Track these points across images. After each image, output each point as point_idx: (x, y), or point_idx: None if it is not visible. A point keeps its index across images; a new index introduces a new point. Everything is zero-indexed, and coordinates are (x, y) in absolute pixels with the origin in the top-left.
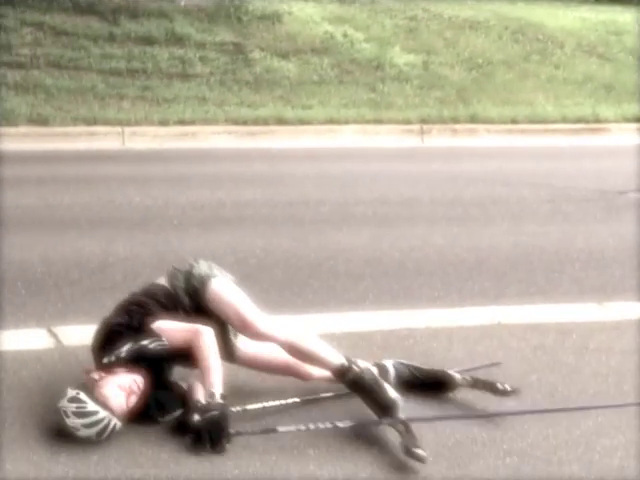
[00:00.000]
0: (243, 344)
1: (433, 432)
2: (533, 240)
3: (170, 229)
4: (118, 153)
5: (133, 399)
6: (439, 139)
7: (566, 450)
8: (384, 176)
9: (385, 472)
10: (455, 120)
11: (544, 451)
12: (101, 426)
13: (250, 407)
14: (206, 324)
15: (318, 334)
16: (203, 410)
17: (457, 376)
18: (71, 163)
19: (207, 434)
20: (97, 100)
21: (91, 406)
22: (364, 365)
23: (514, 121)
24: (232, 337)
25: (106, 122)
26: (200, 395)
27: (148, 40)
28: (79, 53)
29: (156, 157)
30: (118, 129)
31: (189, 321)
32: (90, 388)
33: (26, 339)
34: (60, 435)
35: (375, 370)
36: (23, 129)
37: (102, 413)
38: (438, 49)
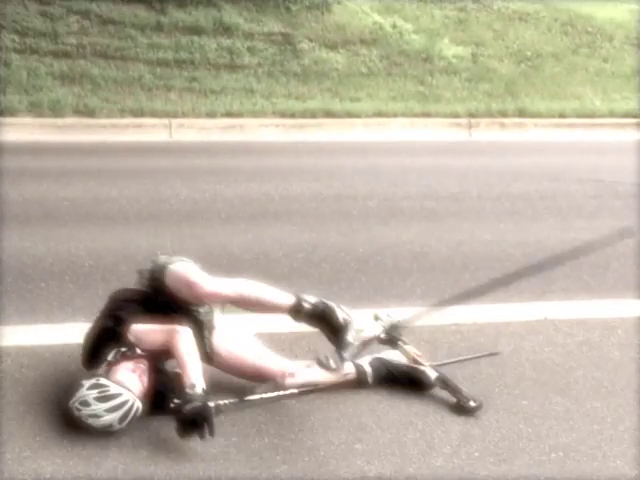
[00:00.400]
0: (218, 345)
1: (479, 427)
2: (580, 235)
3: (218, 223)
4: (165, 145)
5: (145, 379)
6: (487, 133)
7: (610, 445)
8: (432, 170)
9: (432, 468)
10: (503, 114)
11: (589, 446)
12: (125, 409)
13: (246, 398)
14: (183, 324)
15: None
16: (185, 401)
17: (432, 378)
18: (118, 155)
19: (190, 424)
20: (144, 91)
21: (114, 388)
22: (314, 299)
23: (562, 115)
24: (207, 337)
25: (153, 114)
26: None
27: (196, 30)
28: (126, 42)
29: (203, 150)
30: (165, 121)
31: (167, 321)
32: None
33: (73, 333)
34: (109, 431)
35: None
36: (69, 120)
37: (126, 394)
38: (487, 41)
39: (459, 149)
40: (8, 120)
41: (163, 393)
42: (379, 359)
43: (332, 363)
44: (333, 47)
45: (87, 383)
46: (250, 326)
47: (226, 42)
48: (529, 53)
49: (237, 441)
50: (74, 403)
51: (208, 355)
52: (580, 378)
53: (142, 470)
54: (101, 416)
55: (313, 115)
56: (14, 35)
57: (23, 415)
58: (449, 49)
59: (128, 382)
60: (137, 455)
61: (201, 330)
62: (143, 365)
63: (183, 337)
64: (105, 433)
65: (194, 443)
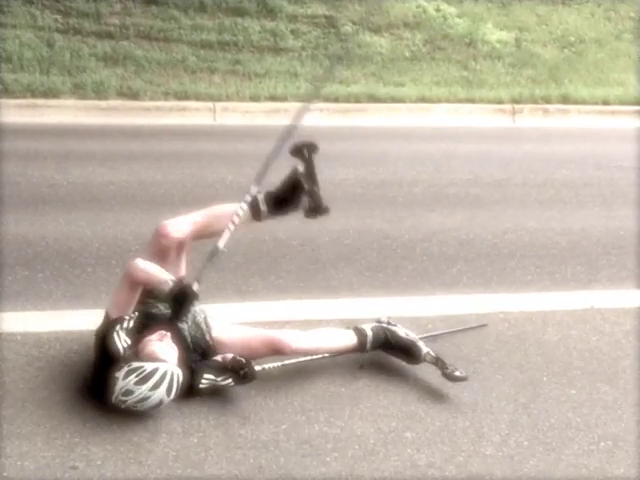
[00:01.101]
0: (219, 336)
1: (527, 416)
2: (624, 224)
3: None
4: (209, 129)
5: (172, 342)
6: (530, 119)
7: None
8: (476, 156)
9: (481, 456)
10: (547, 100)
11: (638, 435)
12: (167, 380)
13: (268, 366)
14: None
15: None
16: (167, 294)
17: (423, 352)
18: (162, 139)
19: (178, 304)
20: (188, 74)
21: (149, 366)
22: (366, 328)
23: (605, 102)
24: (207, 332)
25: (197, 97)
26: None
27: (239, 11)
28: (169, 24)
29: (248, 134)
30: (209, 104)
31: (164, 328)
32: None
33: None
34: (161, 417)
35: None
36: (113, 102)
37: (162, 366)
38: (530, 26)
39: (503, 135)
40: (51, 102)
41: (194, 371)
42: (381, 327)
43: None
44: (377, 31)
45: (121, 373)
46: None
47: (270, 24)
48: (572, 39)
49: (287, 428)
50: (117, 397)
51: (213, 348)
52: (627, 367)
53: (193, 457)
54: (148, 397)
55: (357, 100)
56: (57, 15)
57: (73, 401)
58: (493, 34)
59: (159, 352)
60: (187, 442)
61: (200, 329)
62: (163, 331)
63: (136, 264)
64: (155, 418)
65: (244, 430)
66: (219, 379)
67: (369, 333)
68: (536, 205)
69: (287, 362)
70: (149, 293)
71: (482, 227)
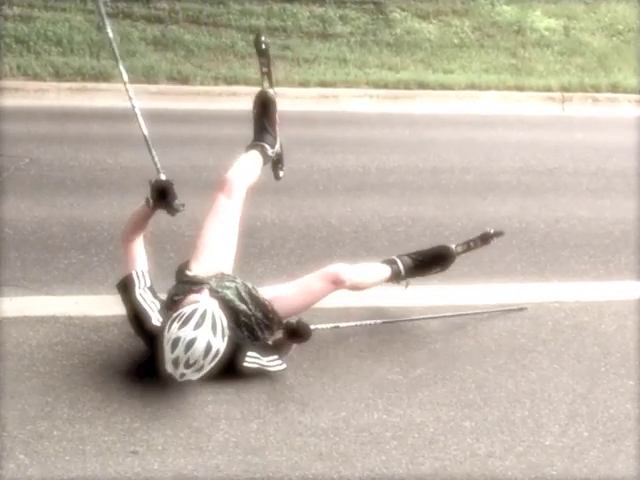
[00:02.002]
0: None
1: (587, 407)
2: None
3: (316, 194)
4: None
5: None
6: (580, 107)
7: None
8: (526, 144)
9: (541, 447)
10: (596, 88)
11: None
12: (209, 318)
13: (321, 326)
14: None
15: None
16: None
17: (452, 248)
18: (212, 123)
19: (159, 196)
20: (237, 59)
21: (187, 309)
22: (393, 257)
23: None
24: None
25: (247, 82)
26: None
27: None
28: (218, 9)
29: (297, 119)
30: (258, 89)
31: None
32: None
33: None
34: (220, 403)
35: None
36: (163, 87)
37: (200, 305)
38: (579, 14)
39: (552, 123)
40: (102, 85)
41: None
42: (404, 254)
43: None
44: (425, 17)
45: (166, 337)
46: None
47: (318, 10)
48: (621, 27)
49: (346, 416)
50: (168, 358)
51: (271, 307)
52: None
53: (253, 443)
54: (194, 338)
55: (406, 86)
56: None
57: (132, 385)
58: (541, 21)
59: (195, 297)
60: (247, 428)
61: (249, 298)
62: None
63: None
64: (214, 404)
65: (304, 417)
66: (265, 359)
67: (397, 260)
68: (588, 194)
69: (340, 325)
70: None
71: (534, 216)
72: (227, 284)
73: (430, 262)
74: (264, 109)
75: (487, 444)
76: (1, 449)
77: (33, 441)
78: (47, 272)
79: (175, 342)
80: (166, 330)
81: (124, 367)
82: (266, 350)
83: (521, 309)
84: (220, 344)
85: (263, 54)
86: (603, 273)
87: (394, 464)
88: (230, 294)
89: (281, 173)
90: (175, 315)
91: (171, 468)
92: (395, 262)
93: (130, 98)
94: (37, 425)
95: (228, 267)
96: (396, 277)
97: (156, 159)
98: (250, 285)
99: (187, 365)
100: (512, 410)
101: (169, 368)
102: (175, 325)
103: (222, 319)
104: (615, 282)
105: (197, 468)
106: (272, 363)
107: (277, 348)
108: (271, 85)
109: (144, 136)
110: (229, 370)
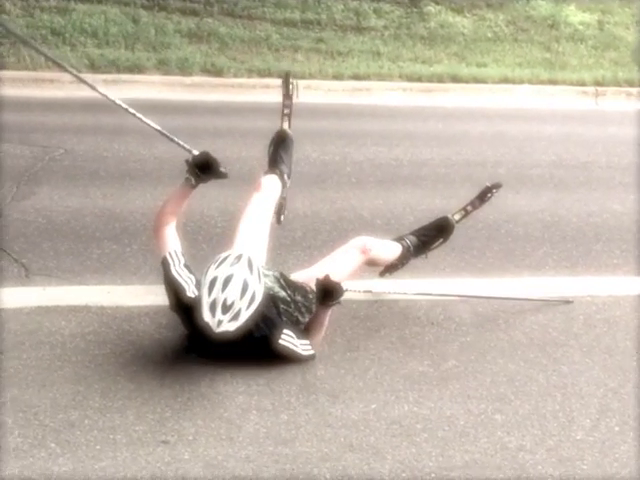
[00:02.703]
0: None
1: (618, 401)
2: None
3: (348, 186)
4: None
5: None
6: (613, 102)
7: None
8: (559, 138)
9: (572, 441)
10: (629, 83)
11: None
12: (245, 259)
13: (353, 289)
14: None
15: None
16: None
17: (449, 217)
18: (245, 115)
19: (201, 169)
20: (271, 51)
21: (221, 255)
22: (403, 237)
23: None
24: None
25: (280, 74)
26: None
27: None
28: (253, 2)
29: (330, 112)
30: (292, 82)
31: None
32: None
33: None
34: (251, 394)
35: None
36: (197, 79)
37: (234, 251)
38: (613, 9)
39: (585, 117)
40: (136, 77)
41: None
42: (409, 233)
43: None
44: (459, 11)
45: (203, 283)
46: None
47: (353, 3)
48: None
49: (377, 408)
50: (205, 313)
51: (303, 285)
52: None
53: (283, 434)
54: (231, 275)
55: (440, 80)
56: None
57: (163, 375)
58: (575, 16)
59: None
60: (277, 419)
61: (279, 280)
62: None
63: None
64: (245, 395)
65: (334, 409)
66: (298, 341)
67: (405, 238)
68: (621, 188)
69: (373, 290)
70: None
71: (567, 209)
72: (265, 272)
73: (433, 236)
74: (283, 146)
75: (518, 437)
76: (33, 438)
77: (64, 430)
78: (80, 262)
79: (212, 282)
80: (203, 277)
81: (156, 357)
82: (301, 333)
83: (567, 302)
84: (256, 285)
85: (289, 97)
86: (635, 267)
87: (424, 457)
88: (269, 282)
89: (282, 217)
90: (210, 263)
91: (201, 458)
92: (404, 239)
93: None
94: (68, 414)
95: (262, 259)
96: (406, 254)
97: (181, 142)
98: (284, 273)
99: (224, 308)
100: (543, 404)
101: (206, 316)
102: (212, 267)
103: (258, 263)
104: None
105: (227, 458)
106: (304, 347)
107: (311, 323)
108: (290, 126)
109: (157, 130)
110: (263, 347)
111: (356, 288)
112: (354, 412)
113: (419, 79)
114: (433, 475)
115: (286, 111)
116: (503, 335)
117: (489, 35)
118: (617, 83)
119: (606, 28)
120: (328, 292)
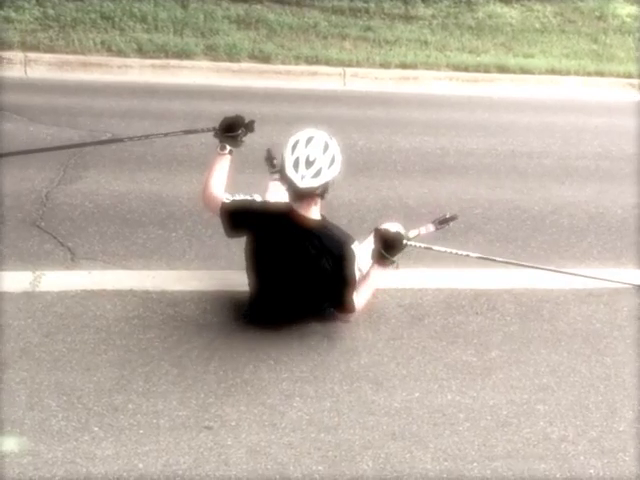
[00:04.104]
0: None
1: None
2: None
3: (394, 175)
4: (339, 94)
5: None
6: None
7: None
8: (605, 130)
9: (614, 432)
10: None
11: None
12: (322, 133)
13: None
14: None
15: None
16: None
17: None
18: (293, 102)
19: (228, 129)
20: (319, 39)
21: None
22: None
23: None
24: None
25: (327, 62)
26: None
27: None
28: None
29: (377, 100)
30: (339, 70)
31: None
32: None
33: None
34: (294, 380)
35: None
36: (245, 65)
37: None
38: None
39: (632, 109)
40: (185, 63)
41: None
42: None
43: None
44: (507, 1)
45: (287, 145)
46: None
47: None
48: None
49: (419, 396)
50: (289, 169)
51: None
52: None
53: (326, 421)
54: (312, 136)
55: (486, 70)
56: None
57: (207, 361)
58: (623, 8)
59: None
60: (320, 406)
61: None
62: None
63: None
64: (288, 382)
65: (377, 397)
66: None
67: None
68: None
69: (434, 247)
70: None
71: (612, 201)
72: None
73: None
74: None
75: (560, 428)
76: (76, 421)
77: (108, 414)
78: (125, 247)
79: (295, 143)
80: (284, 146)
81: (200, 343)
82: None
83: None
84: (335, 149)
85: (276, 171)
86: None
87: (467, 445)
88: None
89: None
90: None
91: (244, 444)
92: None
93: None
94: (112, 398)
95: None
96: None
97: (204, 128)
98: None
99: (307, 163)
100: (586, 395)
101: (289, 172)
102: (292, 137)
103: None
104: None
105: (270, 445)
106: (355, 281)
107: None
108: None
109: (173, 134)
110: (336, 254)
111: (417, 244)
112: (397, 400)
113: (466, 69)
114: (475, 464)
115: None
116: (547, 326)
117: (537, 26)
118: None
119: None
120: (389, 240)
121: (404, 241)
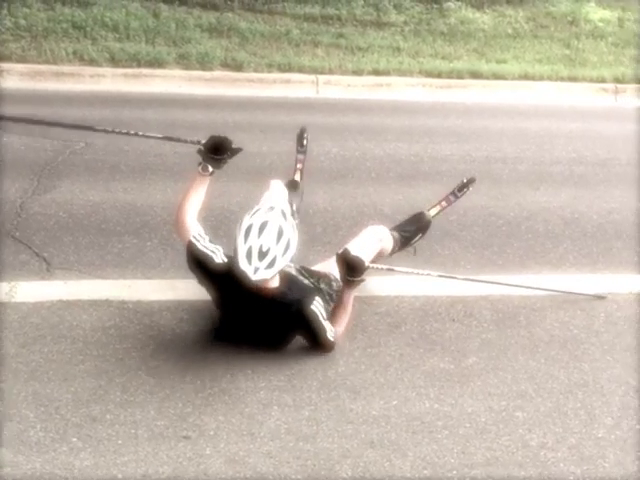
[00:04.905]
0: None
1: (639, 399)
2: None
3: (369, 182)
4: (312, 102)
5: None
6: (633, 99)
7: None
8: (579, 135)
9: (594, 439)
10: None
11: None
12: (279, 208)
13: (375, 265)
14: None
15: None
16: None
17: (425, 212)
18: (266, 110)
19: (214, 151)
20: (291, 46)
21: (256, 206)
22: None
23: None
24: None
25: (300, 69)
26: None
27: None
28: None
29: (350, 107)
30: (312, 77)
31: None
32: None
33: None
34: (272, 389)
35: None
36: (217, 73)
37: (267, 199)
38: (633, 5)
39: (605, 114)
40: (157, 72)
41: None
42: (392, 230)
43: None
44: (479, 7)
45: (239, 230)
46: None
47: None
48: None
49: (397, 404)
50: (242, 260)
51: (319, 273)
52: None
53: (305, 430)
54: (266, 221)
55: (459, 76)
56: None
57: (184, 371)
58: (595, 12)
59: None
60: (299, 415)
61: (307, 273)
62: None
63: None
64: (266, 390)
65: (355, 405)
66: (326, 321)
67: (392, 233)
68: None
69: (395, 268)
70: None
71: (587, 206)
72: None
73: (413, 231)
74: (293, 191)
75: (539, 435)
76: (54, 432)
77: (86, 424)
78: (101, 256)
79: (247, 230)
80: (238, 226)
81: (177, 352)
82: (328, 315)
83: (600, 298)
84: (291, 233)
85: (303, 151)
86: None
87: (446, 453)
88: (293, 271)
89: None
90: (244, 213)
91: (223, 453)
92: (391, 234)
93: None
94: (90, 408)
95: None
96: (394, 249)
97: (188, 139)
98: (305, 266)
99: (260, 254)
100: (564, 401)
101: (242, 264)
102: (246, 217)
103: (290, 214)
104: None
105: (249, 454)
106: (327, 327)
107: (336, 307)
108: (302, 179)
109: (159, 138)
110: (295, 314)
111: (379, 266)
112: (375, 408)
113: (439, 75)
114: (455, 472)
115: (299, 166)
116: (524, 332)
117: (509, 31)
118: (637, 80)
119: (626, 25)
120: (350, 265)
121: (365, 264)
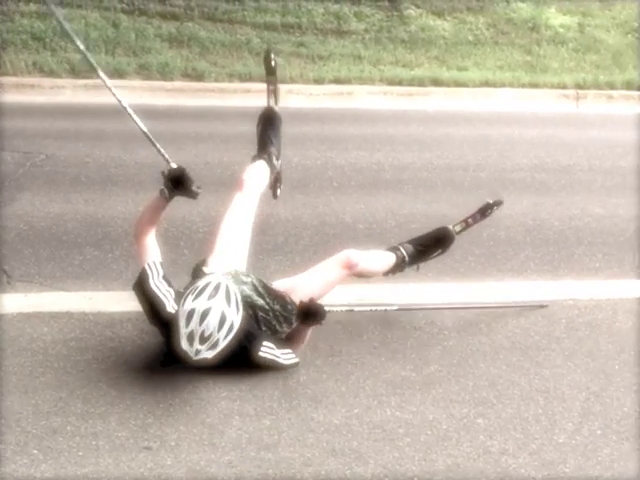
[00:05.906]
0: (279, 283)
1: (600, 405)
2: None
3: (330, 191)
4: None
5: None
6: (594, 105)
7: None
8: (541, 142)
9: (555, 444)
10: (610, 86)
11: None
12: (223, 290)
13: (335, 309)
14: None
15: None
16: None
17: (450, 228)
18: (227, 120)
19: (174, 185)
20: (252, 55)
21: (200, 282)
22: (399, 246)
23: None
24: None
25: (261, 79)
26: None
27: None
28: (233, 5)
29: (311, 116)
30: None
31: None
32: None
33: None
34: (233, 399)
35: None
36: (178, 84)
37: (213, 278)
38: (593, 11)
39: (566, 121)
40: (117, 82)
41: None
42: (406, 241)
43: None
44: (440, 14)
45: (180, 312)
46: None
47: (333, 7)
48: (636, 24)
49: (359, 413)
50: (183, 341)
51: (283, 295)
52: None
53: (266, 439)
54: (209, 308)
55: (421, 83)
56: None
57: (146, 381)
58: (556, 18)
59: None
60: (260, 424)
61: (258, 289)
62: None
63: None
64: (228, 400)
65: (316, 414)
66: (279, 351)
67: (400, 247)
68: (602, 191)
69: (355, 309)
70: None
71: (549, 213)
72: (243, 279)
73: (431, 246)
74: (271, 124)
75: (500, 441)
76: (15, 444)
77: (46, 436)
78: (61, 268)
79: (190, 314)
80: (180, 305)
81: (138, 363)
82: (281, 343)
83: (541, 306)
84: (235, 316)
85: (272, 72)
86: (617, 271)
87: (407, 461)
88: (247, 289)
89: (278, 191)
90: (188, 290)
91: (184, 464)
92: (398, 249)
93: (119, 100)
94: (50, 420)
95: (242, 264)
96: (400, 264)
97: (162, 151)
98: (264, 280)
99: (202, 339)
100: (525, 408)
101: (184, 345)
102: (189, 298)
103: (236, 292)
104: (629, 280)
105: (210, 464)
106: (286, 356)
107: (292, 338)
108: (277, 102)
109: (144, 132)
110: (244, 359)
111: (337, 306)
112: (336, 417)
113: (400, 83)
114: (416, 479)
115: (271, 87)
116: (485, 339)
117: (470, 38)
118: (598, 86)
119: (587, 31)
120: (310, 315)
121: (326, 308)
